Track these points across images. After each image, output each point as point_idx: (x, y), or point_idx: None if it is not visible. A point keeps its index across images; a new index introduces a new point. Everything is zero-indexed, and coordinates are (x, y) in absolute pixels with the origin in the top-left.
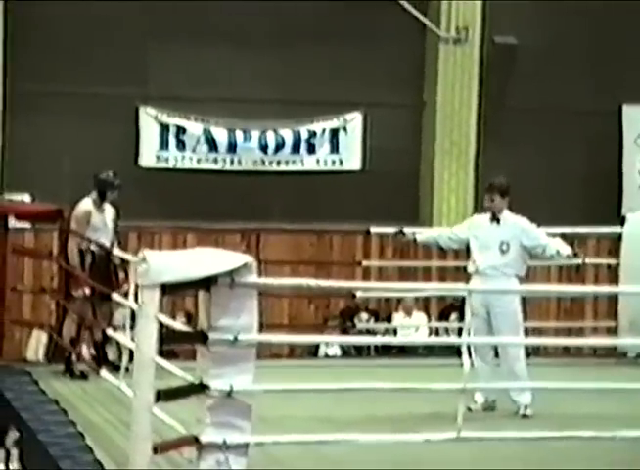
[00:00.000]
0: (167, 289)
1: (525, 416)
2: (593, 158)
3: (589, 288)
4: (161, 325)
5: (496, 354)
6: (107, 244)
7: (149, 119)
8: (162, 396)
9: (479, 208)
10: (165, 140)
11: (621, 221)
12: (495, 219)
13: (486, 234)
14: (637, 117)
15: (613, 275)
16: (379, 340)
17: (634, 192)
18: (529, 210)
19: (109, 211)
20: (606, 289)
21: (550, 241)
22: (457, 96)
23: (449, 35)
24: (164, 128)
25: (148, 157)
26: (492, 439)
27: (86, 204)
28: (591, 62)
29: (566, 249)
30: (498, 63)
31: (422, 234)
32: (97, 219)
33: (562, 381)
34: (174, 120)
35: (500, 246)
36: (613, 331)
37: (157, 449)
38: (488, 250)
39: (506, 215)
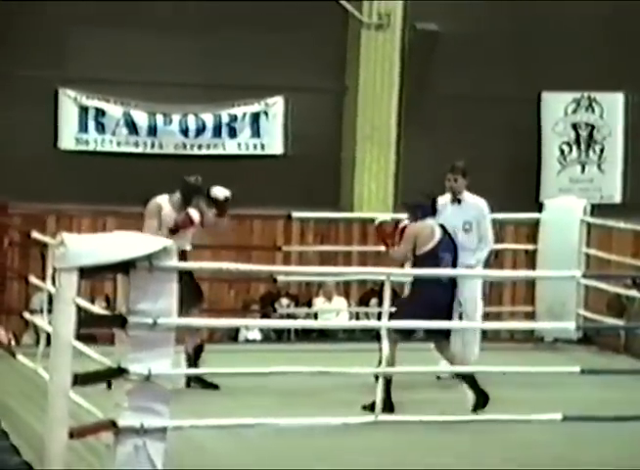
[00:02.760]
0: (86, 272)
1: None
2: (513, 144)
3: (507, 273)
4: (80, 309)
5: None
6: (186, 246)
7: (68, 102)
8: (79, 380)
9: (399, 193)
10: (85, 122)
11: (539, 207)
12: (456, 200)
13: (449, 215)
14: (555, 104)
15: (530, 261)
16: (299, 324)
17: (552, 179)
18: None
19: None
20: (523, 274)
21: (485, 245)
22: (379, 81)
23: (371, 21)
24: (84, 111)
25: (67, 139)
26: (410, 422)
27: (160, 198)
28: (512, 48)
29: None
30: (419, 49)
31: None
32: (170, 219)
33: (480, 365)
34: (94, 103)
35: (463, 226)
36: (530, 316)
37: (73, 434)
38: (452, 230)
39: (466, 196)
